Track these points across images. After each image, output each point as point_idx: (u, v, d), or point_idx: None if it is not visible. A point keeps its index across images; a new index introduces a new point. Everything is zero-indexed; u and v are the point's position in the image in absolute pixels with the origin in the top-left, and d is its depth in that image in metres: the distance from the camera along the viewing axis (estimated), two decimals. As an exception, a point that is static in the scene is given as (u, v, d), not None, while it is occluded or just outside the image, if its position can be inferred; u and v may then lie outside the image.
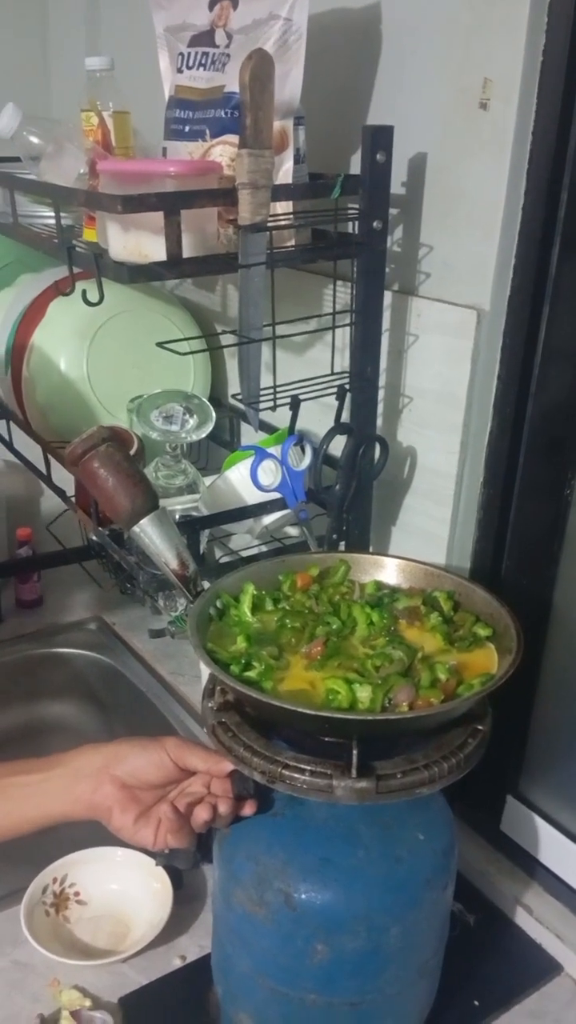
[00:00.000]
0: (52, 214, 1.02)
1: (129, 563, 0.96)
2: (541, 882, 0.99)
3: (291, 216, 0.90)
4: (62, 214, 0.96)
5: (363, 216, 0.89)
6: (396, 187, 0.94)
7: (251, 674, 0.72)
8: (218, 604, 0.80)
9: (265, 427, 1.11)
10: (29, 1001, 0.87)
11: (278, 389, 0.90)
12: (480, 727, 0.72)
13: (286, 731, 0.72)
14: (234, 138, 0.90)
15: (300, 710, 0.66)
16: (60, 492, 1.14)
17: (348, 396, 0.94)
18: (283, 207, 0.89)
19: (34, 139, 0.95)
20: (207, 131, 0.94)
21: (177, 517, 0.95)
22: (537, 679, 1.00)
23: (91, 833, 1.04)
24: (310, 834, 0.73)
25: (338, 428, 0.93)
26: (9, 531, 1.51)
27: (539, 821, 1.00)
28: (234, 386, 1.30)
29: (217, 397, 1.32)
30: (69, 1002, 0.86)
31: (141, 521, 0.78)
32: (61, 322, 1.16)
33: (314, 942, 0.71)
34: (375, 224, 0.89)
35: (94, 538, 1.32)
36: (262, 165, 0.80)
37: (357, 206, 0.90)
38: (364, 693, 0.69)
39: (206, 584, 0.82)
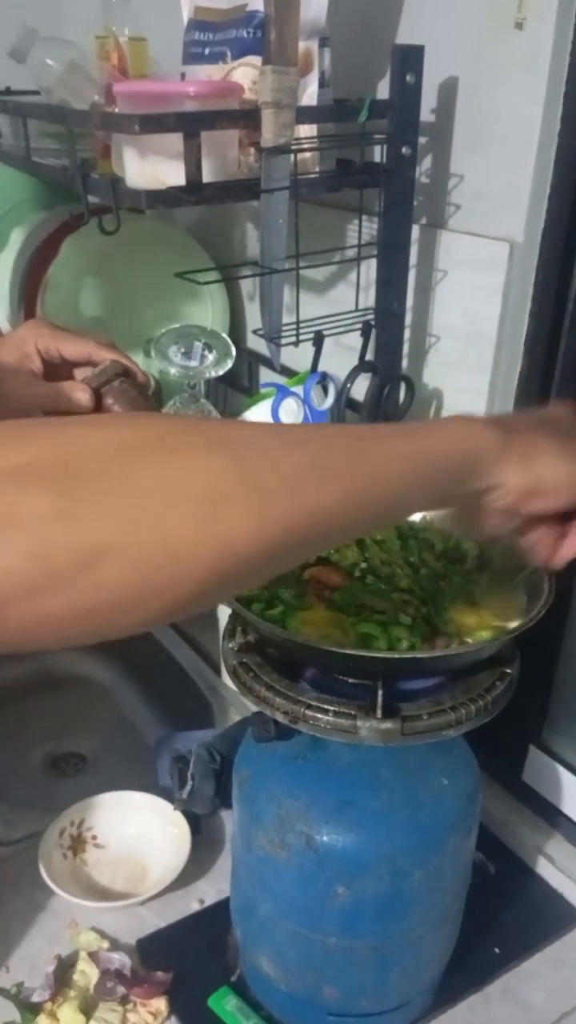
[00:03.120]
0: (65, 147, 0.98)
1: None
2: (563, 832, 0.98)
3: (316, 140, 0.86)
4: (76, 146, 0.92)
5: (391, 141, 0.84)
6: (425, 114, 0.90)
7: (274, 612, 0.69)
8: None
9: (285, 371, 1.08)
10: (47, 942, 0.87)
11: (301, 325, 0.86)
12: (508, 670, 0.70)
13: (309, 673, 0.71)
14: (256, 59, 0.85)
15: (325, 648, 0.64)
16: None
17: (373, 334, 0.91)
18: (307, 131, 0.85)
19: (49, 61, 0.91)
20: (228, 52, 0.90)
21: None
22: (563, 629, 0.98)
23: (108, 779, 1.04)
24: (333, 778, 0.72)
25: (363, 366, 0.90)
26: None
27: (562, 771, 0.98)
28: (255, 325, 1.27)
29: (236, 341, 1.28)
30: (87, 943, 0.86)
31: None
32: (76, 259, 1.13)
33: (336, 885, 0.70)
34: (404, 150, 0.85)
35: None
36: (287, 83, 0.76)
37: (384, 132, 0.86)
38: (402, 633, 0.67)
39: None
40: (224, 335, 1.08)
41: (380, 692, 0.64)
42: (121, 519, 0.36)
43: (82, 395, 0.73)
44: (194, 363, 0.98)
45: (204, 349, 1.00)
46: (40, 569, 0.35)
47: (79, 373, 0.78)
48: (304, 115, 0.83)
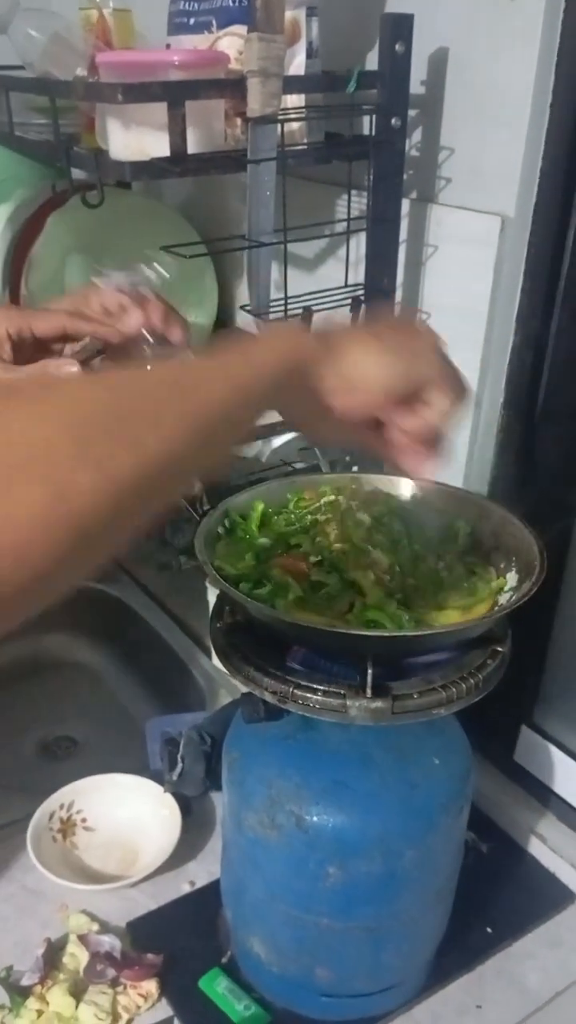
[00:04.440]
0: (49, 121, 0.96)
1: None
2: (555, 812, 0.98)
3: (303, 111, 0.84)
4: (60, 122, 0.90)
5: (380, 112, 0.83)
6: (416, 86, 0.89)
7: (261, 592, 0.68)
8: (226, 523, 0.77)
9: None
10: (38, 926, 0.87)
11: (289, 300, 0.85)
12: (500, 648, 0.70)
13: (298, 653, 0.70)
14: (242, 28, 0.84)
15: (313, 626, 0.63)
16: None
17: (363, 310, 0.90)
18: (295, 101, 0.83)
19: (32, 31, 0.89)
20: (213, 22, 0.88)
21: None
22: (555, 608, 0.97)
23: (99, 762, 1.03)
24: (324, 758, 0.71)
25: (352, 343, 0.89)
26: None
27: (554, 751, 0.98)
28: (243, 304, 1.25)
29: (225, 320, 1.27)
30: (77, 926, 0.86)
31: None
32: (61, 236, 1.11)
33: (327, 865, 0.70)
34: (393, 121, 0.83)
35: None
36: (273, 51, 0.74)
37: (374, 103, 0.84)
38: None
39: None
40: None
41: (370, 671, 0.63)
42: None
43: (70, 368, 0.71)
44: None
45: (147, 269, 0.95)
46: None
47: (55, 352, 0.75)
48: (291, 85, 0.81)
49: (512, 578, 0.72)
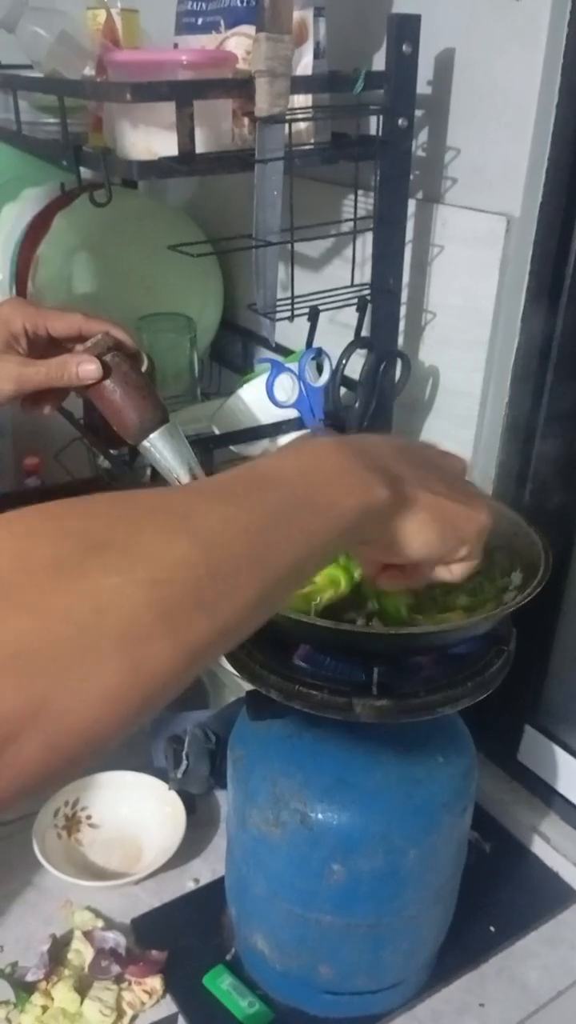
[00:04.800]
0: (57, 121, 0.96)
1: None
2: (558, 811, 0.98)
3: (310, 111, 0.84)
4: (68, 121, 0.90)
5: (387, 113, 0.83)
6: (422, 86, 0.89)
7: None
8: None
9: (280, 350, 1.06)
10: (42, 922, 0.87)
11: (295, 300, 0.85)
12: (504, 647, 0.70)
13: (304, 651, 0.70)
14: (250, 28, 0.84)
15: (319, 624, 0.63)
16: (68, 415, 1.10)
17: (368, 310, 0.90)
18: (302, 101, 0.83)
19: (39, 30, 0.89)
20: (221, 22, 0.88)
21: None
22: (559, 608, 0.97)
23: (103, 760, 1.04)
24: (328, 756, 0.72)
25: (358, 342, 0.89)
26: (16, 461, 1.48)
27: (557, 750, 0.98)
28: (249, 303, 1.26)
29: (230, 320, 1.27)
30: (82, 923, 0.86)
31: (151, 435, 0.75)
32: (67, 235, 1.11)
33: (330, 863, 0.70)
34: (400, 121, 0.83)
35: (103, 466, 1.29)
36: (281, 51, 0.74)
37: (380, 104, 0.84)
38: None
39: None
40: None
41: (375, 669, 0.64)
42: (45, 674, 0.31)
43: (91, 366, 0.72)
44: None
45: None
46: None
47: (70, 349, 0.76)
48: (299, 85, 0.81)
49: (516, 577, 0.72)
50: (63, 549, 0.34)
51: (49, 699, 0.31)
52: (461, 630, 0.66)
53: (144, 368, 0.98)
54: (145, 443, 0.75)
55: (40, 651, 0.31)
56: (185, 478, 0.75)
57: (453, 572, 0.56)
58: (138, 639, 0.33)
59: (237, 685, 1.11)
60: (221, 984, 0.81)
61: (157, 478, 0.85)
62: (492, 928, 0.88)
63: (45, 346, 0.76)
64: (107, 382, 0.74)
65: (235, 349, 1.25)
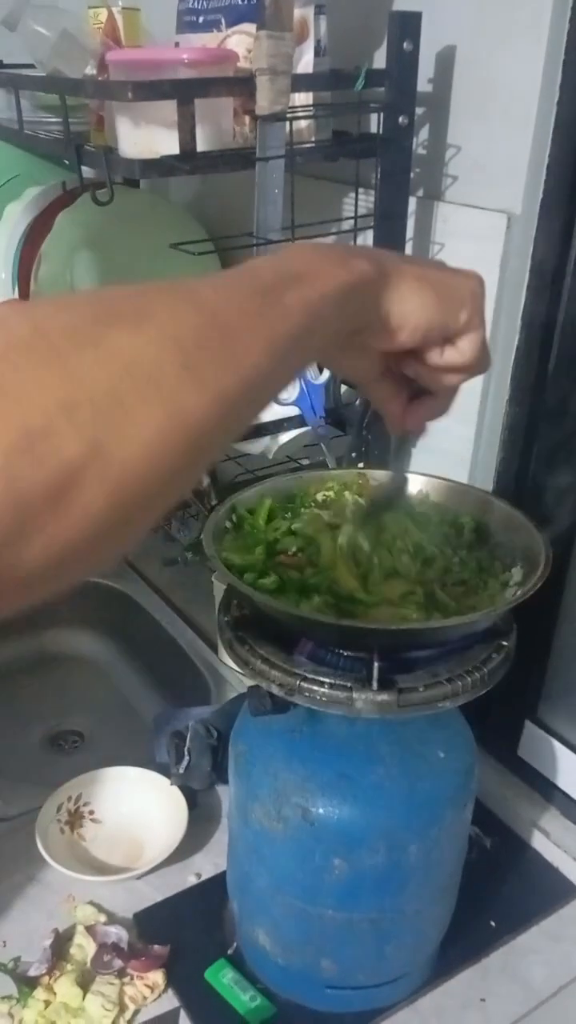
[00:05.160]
0: (59, 120, 0.97)
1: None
2: (559, 806, 0.98)
3: (311, 109, 0.85)
4: (70, 120, 0.91)
5: (388, 110, 0.83)
6: (423, 83, 0.89)
7: (266, 582, 0.69)
8: (233, 518, 0.77)
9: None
10: (45, 917, 0.87)
11: (297, 297, 0.86)
12: (505, 643, 0.70)
13: (305, 646, 0.70)
14: (251, 27, 0.84)
15: (319, 619, 0.64)
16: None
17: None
18: (303, 99, 0.84)
19: (40, 28, 0.90)
20: (222, 20, 0.88)
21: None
22: (560, 604, 0.97)
23: (105, 756, 1.04)
24: (330, 751, 0.72)
25: (359, 339, 0.89)
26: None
27: (557, 745, 0.98)
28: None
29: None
30: (84, 917, 0.86)
31: None
32: (70, 234, 1.11)
33: (332, 857, 0.70)
34: (401, 119, 0.84)
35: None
36: (282, 49, 0.75)
37: (381, 101, 0.85)
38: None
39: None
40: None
41: (376, 664, 0.64)
42: (93, 422, 0.33)
43: None
44: None
45: None
46: (10, 508, 0.31)
47: None
48: (300, 83, 0.82)
49: (517, 573, 0.72)
50: (76, 320, 0.36)
51: (102, 443, 0.33)
52: (462, 626, 0.66)
53: None
54: None
55: (86, 401, 0.33)
56: None
57: (462, 350, 0.54)
58: (170, 388, 0.36)
59: (239, 681, 1.12)
60: (223, 978, 0.81)
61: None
62: (493, 923, 0.88)
63: None
64: None
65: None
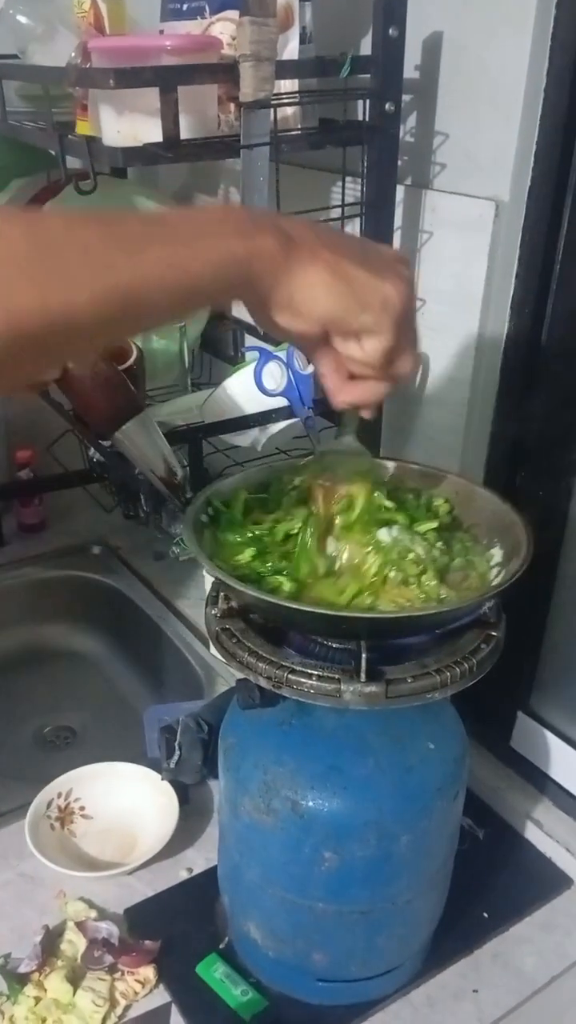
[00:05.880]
0: (43, 110, 0.96)
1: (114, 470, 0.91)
2: (552, 797, 0.98)
3: (297, 95, 0.84)
4: (54, 111, 0.90)
5: (374, 97, 0.83)
6: (410, 71, 0.88)
7: (264, 568, 0.68)
8: (209, 511, 0.76)
9: (270, 341, 1.06)
10: (36, 913, 0.87)
11: (283, 287, 0.85)
12: (493, 633, 0.70)
13: (293, 638, 0.70)
14: (234, 13, 0.83)
15: (304, 609, 0.63)
16: (58, 407, 1.09)
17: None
18: (288, 86, 0.83)
19: (22, 19, 0.89)
20: (206, 7, 0.88)
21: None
22: (551, 595, 0.97)
23: (97, 752, 1.04)
24: (319, 744, 0.71)
25: (347, 329, 0.89)
26: (9, 453, 1.48)
27: (550, 737, 0.98)
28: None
29: (219, 311, 1.27)
30: (75, 913, 0.86)
31: (123, 427, 0.74)
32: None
33: (322, 850, 0.70)
34: (387, 106, 0.83)
35: (94, 458, 1.28)
36: (266, 35, 0.74)
37: (367, 88, 0.84)
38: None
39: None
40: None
41: (364, 655, 0.63)
42: None
43: None
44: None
45: None
46: None
47: None
48: (285, 70, 0.81)
49: (497, 554, 0.72)
50: None
51: None
52: (448, 613, 0.66)
53: (132, 359, 0.98)
54: (117, 434, 0.75)
55: None
56: (160, 469, 0.75)
57: (364, 348, 0.55)
58: (6, 291, 0.43)
59: (231, 675, 1.11)
60: (214, 973, 0.81)
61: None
62: (486, 914, 0.88)
63: None
64: (72, 373, 0.73)
65: (226, 340, 1.25)
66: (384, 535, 0.71)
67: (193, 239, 0.49)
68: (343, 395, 0.59)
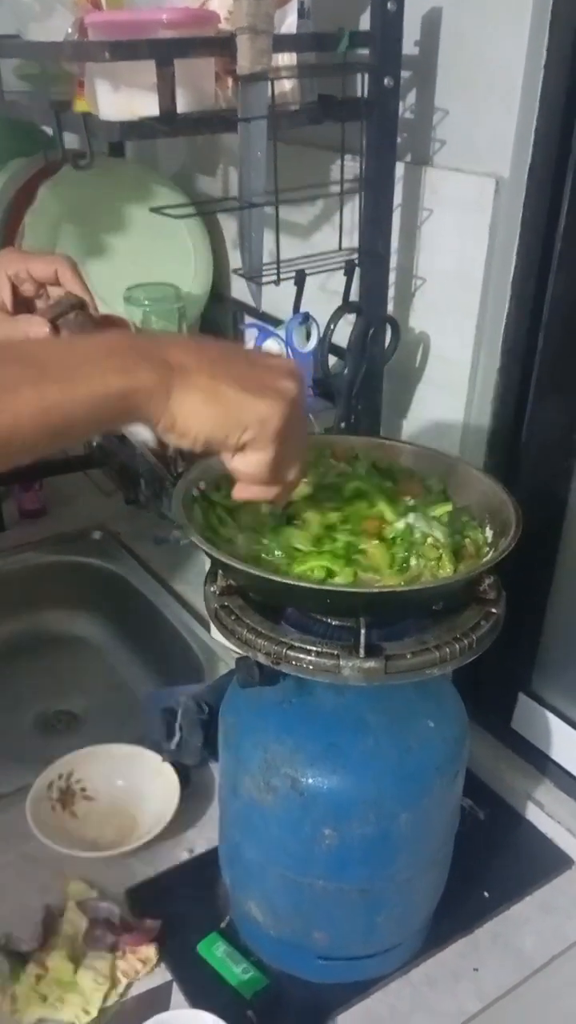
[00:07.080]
0: (40, 91, 0.95)
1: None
2: (552, 778, 0.98)
3: (294, 69, 0.83)
4: (52, 89, 0.89)
5: (373, 72, 0.82)
6: (408, 47, 0.87)
7: (268, 547, 0.68)
8: (201, 484, 0.76)
9: (270, 320, 1.06)
10: (37, 893, 0.87)
11: (282, 264, 0.84)
12: (494, 610, 0.69)
13: (292, 615, 0.69)
14: (233, -12, 0.82)
15: (299, 584, 0.63)
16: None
17: (357, 273, 0.89)
18: (286, 60, 0.82)
19: (18, -6, 0.88)
20: (203, -19, 0.86)
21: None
22: (552, 576, 0.97)
23: (99, 736, 1.03)
24: (319, 722, 0.71)
25: (346, 307, 0.88)
26: (9, 438, 1.47)
27: (551, 718, 0.98)
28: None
29: (219, 292, 1.26)
30: (76, 893, 0.86)
31: None
32: (53, 205, 1.10)
33: (322, 827, 0.70)
34: (386, 81, 0.82)
35: (95, 442, 1.28)
36: (262, 8, 0.73)
37: (366, 63, 0.83)
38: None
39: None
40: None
41: (362, 631, 0.63)
42: None
43: (39, 329, 0.71)
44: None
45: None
46: None
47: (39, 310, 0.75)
48: (282, 44, 0.80)
49: (488, 534, 0.72)
50: None
51: None
52: (444, 587, 0.66)
53: None
54: None
55: None
56: (152, 441, 0.74)
57: (247, 460, 0.59)
58: None
59: (231, 658, 1.11)
60: (216, 951, 0.81)
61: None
62: (486, 894, 0.88)
63: (28, 294, 0.75)
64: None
65: (225, 321, 1.24)
66: (400, 523, 0.72)
67: (69, 378, 0.52)
68: (236, 493, 0.64)
